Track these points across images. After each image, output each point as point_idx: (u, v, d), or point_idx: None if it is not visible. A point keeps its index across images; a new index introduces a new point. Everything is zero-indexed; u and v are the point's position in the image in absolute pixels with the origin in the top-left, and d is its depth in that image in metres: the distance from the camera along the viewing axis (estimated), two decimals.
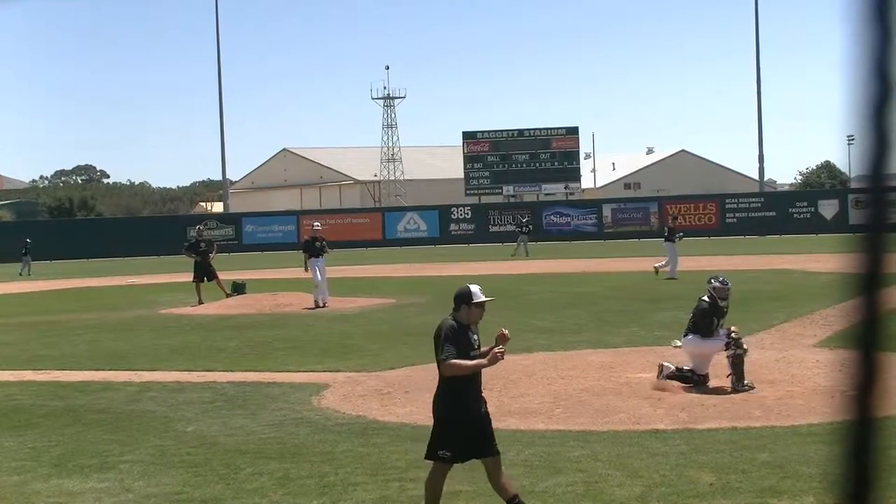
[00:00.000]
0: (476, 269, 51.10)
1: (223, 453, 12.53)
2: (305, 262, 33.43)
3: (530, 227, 70.09)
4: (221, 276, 37.18)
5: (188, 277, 37.44)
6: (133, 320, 30.71)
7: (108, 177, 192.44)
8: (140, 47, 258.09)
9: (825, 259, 48.19)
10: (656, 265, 41.74)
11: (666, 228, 43.78)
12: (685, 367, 16.52)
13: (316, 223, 38.13)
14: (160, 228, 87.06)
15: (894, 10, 1.73)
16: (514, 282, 41.58)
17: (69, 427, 14.72)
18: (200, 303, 34.74)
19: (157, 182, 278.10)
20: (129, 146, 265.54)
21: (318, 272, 32.95)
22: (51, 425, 14.90)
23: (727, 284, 16.78)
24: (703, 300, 16.77)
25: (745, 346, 16.27)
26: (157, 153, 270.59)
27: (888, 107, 1.76)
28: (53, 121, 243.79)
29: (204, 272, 36.49)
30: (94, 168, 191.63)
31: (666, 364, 16.62)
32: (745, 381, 15.86)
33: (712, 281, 16.92)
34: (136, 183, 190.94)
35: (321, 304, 32.51)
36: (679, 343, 17.24)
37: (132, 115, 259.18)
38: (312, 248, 33.83)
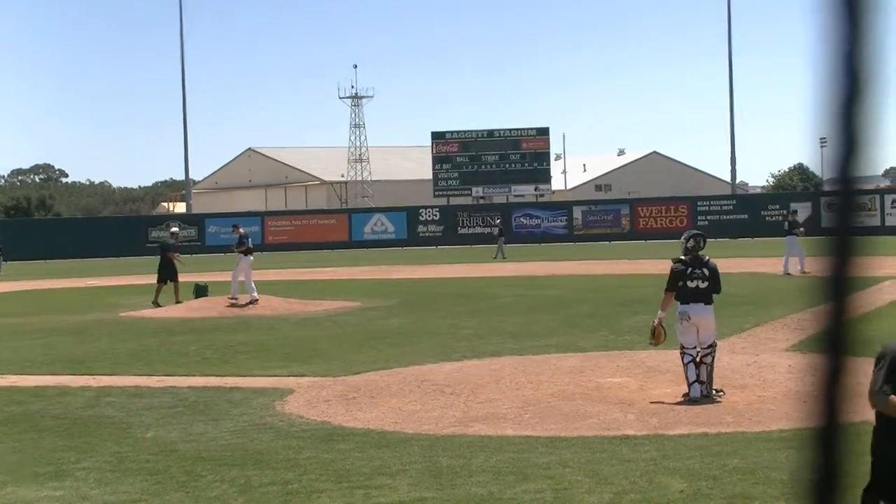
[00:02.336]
0: (444, 272, 51.14)
1: (183, 460, 12.47)
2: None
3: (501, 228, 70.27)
4: (183, 278, 37.10)
5: (150, 279, 37.30)
6: (91, 323, 30.53)
7: (66, 176, 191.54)
8: (101, 43, 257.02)
9: (797, 262, 48.40)
10: (787, 270, 41.00)
11: (786, 223, 43.09)
12: (691, 350, 15.88)
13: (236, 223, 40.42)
14: (120, 229, 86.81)
15: (863, 1, 1.71)
16: (482, 284, 41.62)
17: (25, 433, 14.61)
18: (156, 304, 34.88)
19: (117, 182, 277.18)
20: (89, 144, 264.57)
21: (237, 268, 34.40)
22: (5, 431, 14.79)
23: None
24: (706, 259, 16.15)
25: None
26: (118, 152, 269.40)
27: (857, 104, 1.74)
28: (10, 118, 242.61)
29: (168, 275, 36.65)
30: (53, 167, 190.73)
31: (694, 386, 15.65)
32: (716, 388, 15.79)
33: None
34: (96, 182, 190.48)
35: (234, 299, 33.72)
36: (689, 317, 15.78)
37: (92, 113, 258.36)
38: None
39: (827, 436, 1.81)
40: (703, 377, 15.59)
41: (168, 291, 35.90)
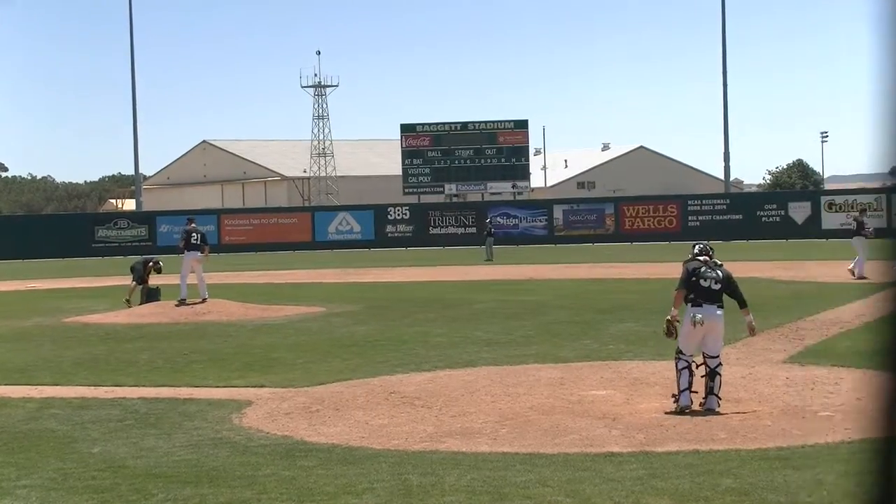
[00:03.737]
0: (415, 276, 51.14)
1: (133, 477, 12.43)
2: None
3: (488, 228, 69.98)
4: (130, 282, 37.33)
5: (96, 282, 37.30)
6: (33, 329, 30.44)
7: (6, 170, 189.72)
8: (45, 29, 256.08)
9: (796, 266, 48.68)
10: (850, 267, 40.93)
11: (854, 222, 43.02)
12: (687, 357, 15.97)
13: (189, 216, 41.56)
14: (65, 227, 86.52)
15: None
16: (455, 289, 41.63)
17: None
18: (127, 302, 35.62)
19: (61, 176, 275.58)
20: (31, 136, 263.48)
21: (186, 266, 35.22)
22: None
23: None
24: (720, 264, 16.39)
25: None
26: (62, 144, 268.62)
27: None
28: None
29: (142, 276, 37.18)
30: None
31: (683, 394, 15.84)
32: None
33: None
34: (38, 177, 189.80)
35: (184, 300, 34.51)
36: (701, 319, 15.86)
37: (34, 103, 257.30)
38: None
39: (887, 449, 1.83)
40: (716, 389, 15.82)
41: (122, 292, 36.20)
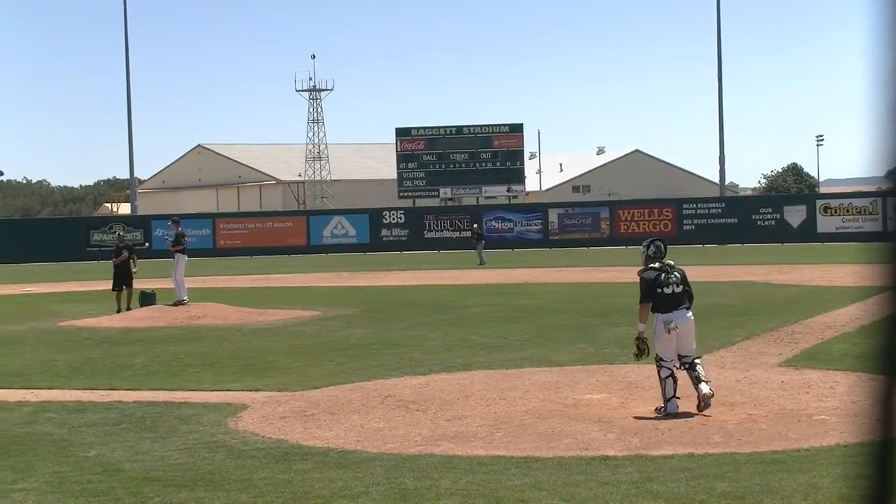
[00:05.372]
0: (410, 279, 51.17)
1: (129, 481, 12.43)
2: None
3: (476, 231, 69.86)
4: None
5: (92, 286, 37.32)
6: (28, 333, 30.43)
7: (1, 174, 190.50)
8: (41, 33, 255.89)
9: (791, 270, 48.72)
10: None
11: None
12: (669, 363, 16.03)
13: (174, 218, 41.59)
14: (60, 231, 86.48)
15: None
16: (450, 293, 41.67)
17: None
18: (119, 311, 35.40)
19: (56, 180, 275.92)
20: (26, 140, 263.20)
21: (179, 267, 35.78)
22: None
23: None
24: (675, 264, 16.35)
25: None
26: (57, 148, 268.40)
27: None
28: None
29: (124, 280, 37.03)
30: None
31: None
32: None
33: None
34: (34, 181, 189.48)
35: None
36: (675, 325, 15.91)
37: (29, 106, 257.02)
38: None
39: (883, 451, 1.85)
40: (702, 376, 15.78)
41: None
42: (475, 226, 73.52)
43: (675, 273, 16.08)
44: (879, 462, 1.90)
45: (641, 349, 16.18)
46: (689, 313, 16.10)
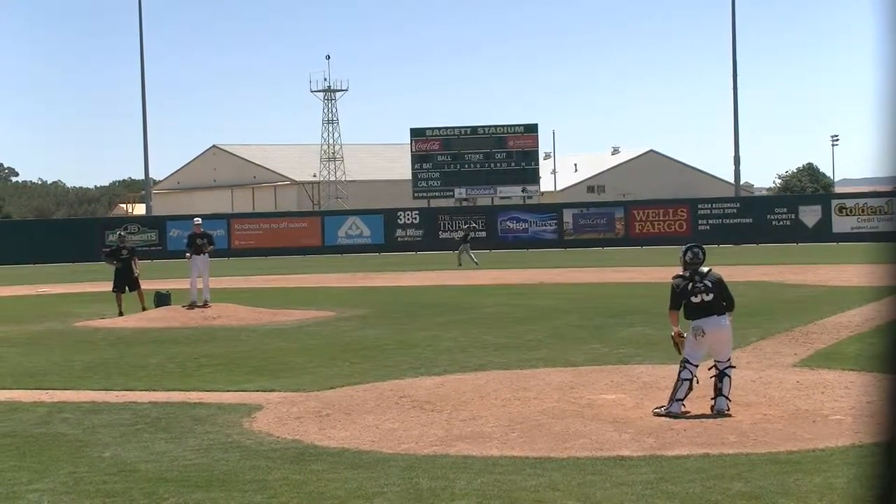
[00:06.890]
0: (424, 280, 51.16)
1: (144, 481, 12.45)
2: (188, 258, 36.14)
3: (464, 232, 69.36)
4: (145, 285, 37.15)
5: (107, 286, 37.31)
6: (44, 334, 30.46)
7: (17, 175, 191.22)
8: (55, 34, 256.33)
9: (806, 270, 48.62)
10: None
11: None
12: (693, 367, 16.00)
13: (197, 219, 40.14)
14: (75, 232, 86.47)
15: None
16: (465, 293, 41.65)
17: None
18: (121, 314, 34.73)
19: (71, 181, 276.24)
20: (41, 141, 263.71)
21: (194, 270, 35.72)
22: None
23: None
24: (708, 270, 16.29)
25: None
26: (73, 149, 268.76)
27: None
28: None
29: (125, 281, 36.51)
30: (2, 165, 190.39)
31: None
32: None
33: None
34: (49, 182, 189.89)
35: (198, 304, 34.71)
36: (703, 332, 15.82)
37: (45, 107, 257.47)
38: (194, 246, 36.03)
39: (890, 452, 1.84)
40: (725, 390, 15.79)
41: (131, 299, 35.94)
42: (467, 226, 73.25)
43: (706, 281, 15.98)
44: (887, 462, 1.89)
45: (678, 343, 16.19)
46: (725, 320, 16.03)
